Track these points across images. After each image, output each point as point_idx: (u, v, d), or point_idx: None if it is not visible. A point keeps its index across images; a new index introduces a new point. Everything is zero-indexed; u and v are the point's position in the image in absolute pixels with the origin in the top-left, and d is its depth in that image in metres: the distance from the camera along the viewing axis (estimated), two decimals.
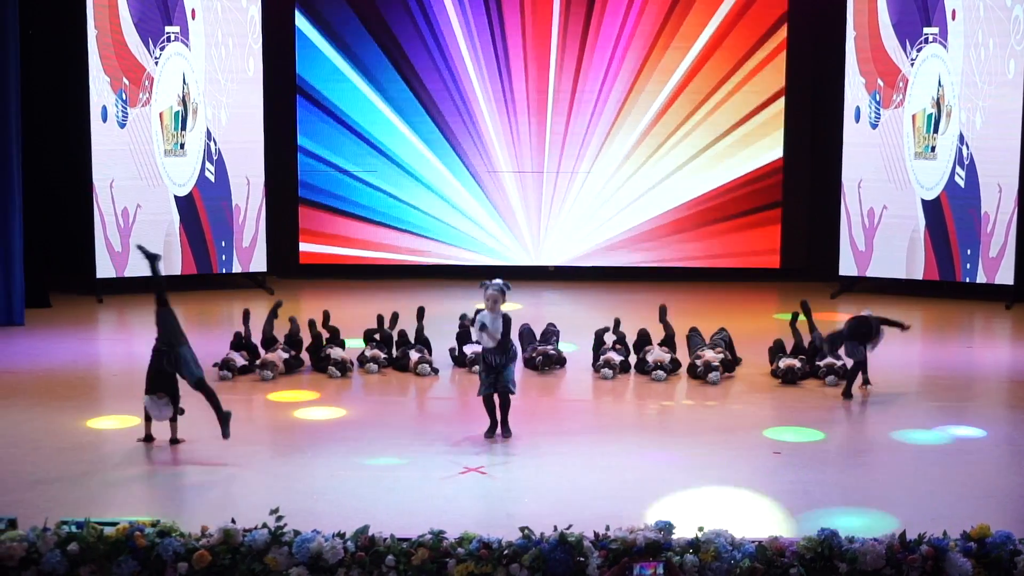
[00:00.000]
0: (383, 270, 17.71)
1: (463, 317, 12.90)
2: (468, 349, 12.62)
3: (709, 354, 12.60)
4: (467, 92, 17.38)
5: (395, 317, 13.38)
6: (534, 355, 12.81)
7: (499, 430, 10.62)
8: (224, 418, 10.29)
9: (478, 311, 10.87)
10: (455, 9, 17.20)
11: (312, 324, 13.07)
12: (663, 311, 13.20)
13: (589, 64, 17.25)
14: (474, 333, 10.75)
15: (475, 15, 17.22)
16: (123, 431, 10.87)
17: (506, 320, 10.59)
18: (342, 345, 12.93)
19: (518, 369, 12.55)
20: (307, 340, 12.99)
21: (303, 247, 17.69)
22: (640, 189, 17.49)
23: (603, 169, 17.47)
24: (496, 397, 10.61)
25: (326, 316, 13.27)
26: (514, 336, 10.96)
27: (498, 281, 10.67)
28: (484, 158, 17.53)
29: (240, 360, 12.62)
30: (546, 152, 17.48)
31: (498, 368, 10.54)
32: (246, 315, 13.18)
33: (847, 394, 11.89)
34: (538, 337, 13.16)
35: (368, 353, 12.85)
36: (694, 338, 12.99)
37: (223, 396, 10.72)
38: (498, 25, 17.25)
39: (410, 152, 17.54)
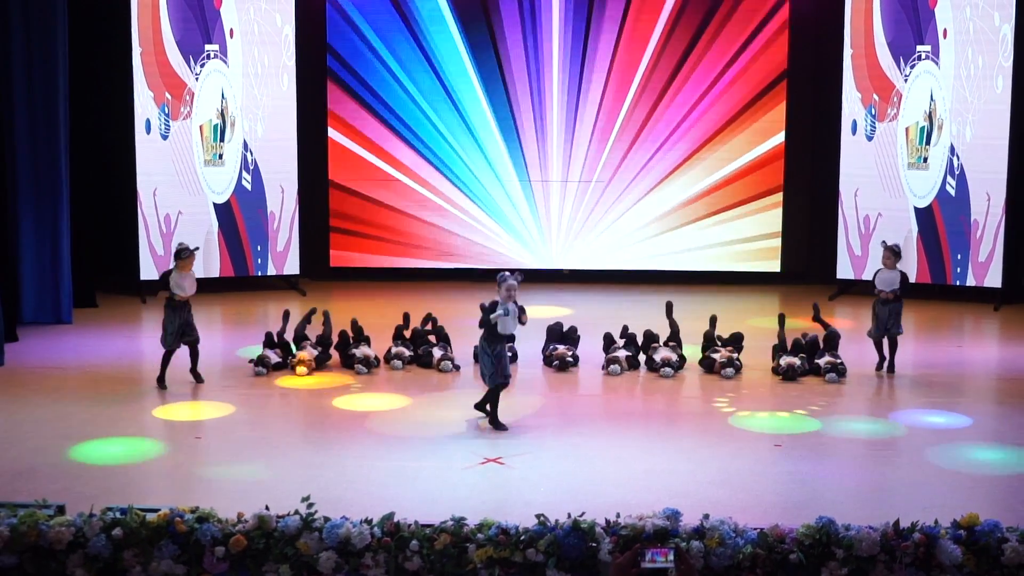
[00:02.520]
0: (409, 273, 17.70)
1: (482, 307, 12.71)
2: None
3: (723, 351, 12.60)
4: (487, 105, 17.39)
5: (427, 318, 13.39)
6: (552, 355, 12.80)
7: (488, 422, 10.67)
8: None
9: (493, 302, 10.72)
10: (478, 20, 17.23)
11: (344, 334, 13.02)
12: (669, 307, 13.19)
13: (602, 82, 17.28)
14: (503, 323, 10.61)
15: (496, 32, 17.25)
16: (165, 423, 10.90)
17: (520, 308, 10.62)
18: (368, 343, 12.94)
19: (537, 364, 12.59)
20: (335, 339, 13.01)
21: (334, 251, 17.70)
22: (650, 196, 17.46)
23: (616, 180, 17.45)
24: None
25: (355, 325, 13.21)
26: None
27: (509, 274, 10.66)
28: (507, 167, 17.52)
29: (274, 357, 12.63)
30: (560, 162, 17.48)
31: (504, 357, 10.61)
32: (286, 315, 13.20)
33: (889, 368, 12.55)
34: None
35: (394, 350, 12.86)
36: (707, 342, 12.96)
37: (257, 390, 10.70)
38: (519, 43, 17.27)
39: (432, 162, 17.54)
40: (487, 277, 16.82)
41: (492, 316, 10.56)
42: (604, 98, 17.29)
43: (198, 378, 12.07)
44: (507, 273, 10.67)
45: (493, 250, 17.66)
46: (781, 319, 13.14)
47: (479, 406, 10.84)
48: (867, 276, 16.33)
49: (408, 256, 17.76)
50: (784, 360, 12.47)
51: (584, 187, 17.51)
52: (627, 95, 17.27)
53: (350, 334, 12.99)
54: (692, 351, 12.83)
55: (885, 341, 12.61)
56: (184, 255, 11.85)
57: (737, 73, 17.15)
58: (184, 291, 11.82)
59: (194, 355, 12.05)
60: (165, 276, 11.95)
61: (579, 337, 13.17)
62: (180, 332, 11.85)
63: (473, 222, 17.65)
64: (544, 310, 14.78)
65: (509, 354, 11.45)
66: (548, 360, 12.84)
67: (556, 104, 17.34)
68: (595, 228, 17.60)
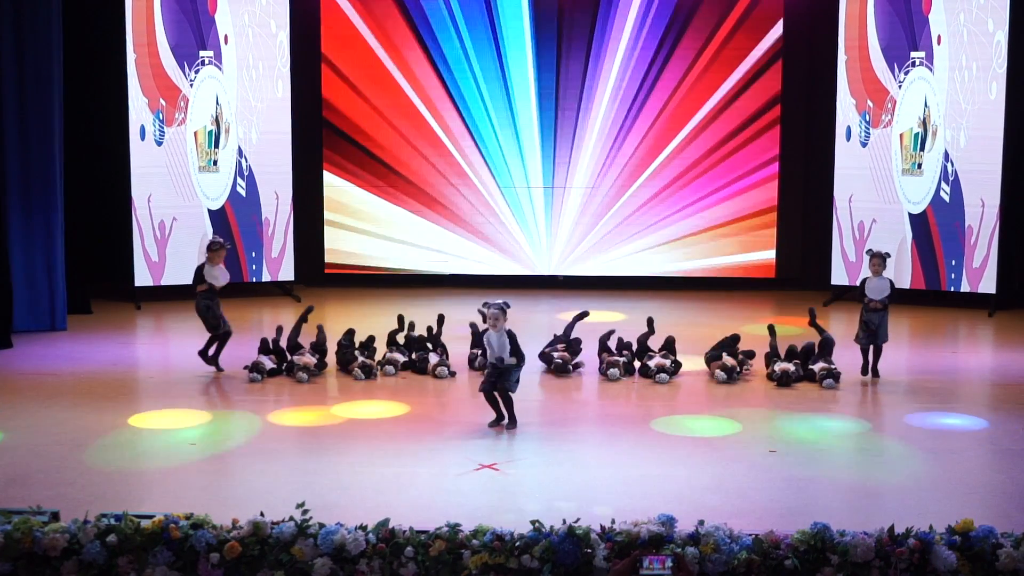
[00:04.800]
0: (404, 279, 17.71)
1: (472, 326, 12.79)
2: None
3: (726, 358, 12.64)
4: (482, 111, 17.40)
5: (441, 319, 13.36)
6: (553, 353, 12.78)
7: (506, 421, 10.74)
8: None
9: (485, 330, 10.94)
10: (464, 25, 17.24)
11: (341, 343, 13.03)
12: (650, 323, 13.27)
13: (604, 87, 17.30)
14: (490, 354, 10.80)
15: (482, 32, 17.25)
16: (160, 429, 10.89)
17: (511, 336, 10.72)
18: (372, 350, 12.92)
19: (529, 370, 12.60)
20: (332, 347, 12.98)
21: (328, 257, 17.70)
22: (645, 202, 17.47)
23: (611, 187, 17.47)
24: (497, 395, 10.77)
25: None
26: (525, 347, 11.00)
27: (498, 301, 10.80)
28: (500, 173, 17.53)
29: (269, 363, 12.62)
30: (556, 169, 17.50)
31: (502, 370, 10.64)
32: (279, 330, 13.14)
33: (873, 372, 12.51)
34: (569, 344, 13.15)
35: (387, 356, 12.85)
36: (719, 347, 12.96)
37: (253, 397, 10.70)
38: (510, 45, 17.29)
39: (428, 167, 17.56)
40: (480, 283, 16.95)
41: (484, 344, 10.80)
42: (599, 105, 17.33)
43: (217, 367, 12.63)
44: (492, 302, 10.83)
45: (489, 256, 17.66)
46: (771, 329, 13.13)
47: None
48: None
49: (403, 262, 17.76)
50: (778, 366, 12.48)
51: (578, 193, 17.51)
52: (627, 108, 17.30)
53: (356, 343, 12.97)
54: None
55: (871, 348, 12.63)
56: (215, 247, 12.65)
57: (733, 80, 17.16)
58: (218, 281, 12.54)
59: (221, 346, 12.67)
60: (199, 270, 12.63)
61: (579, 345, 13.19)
62: (215, 322, 12.58)
63: (468, 228, 17.64)
64: (541, 316, 14.80)
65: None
66: (546, 357, 12.85)
67: (560, 110, 17.40)
68: (589, 235, 17.60)
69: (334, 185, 17.60)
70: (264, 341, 12.92)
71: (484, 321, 11.28)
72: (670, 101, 17.24)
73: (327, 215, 17.62)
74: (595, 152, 17.41)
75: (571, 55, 17.22)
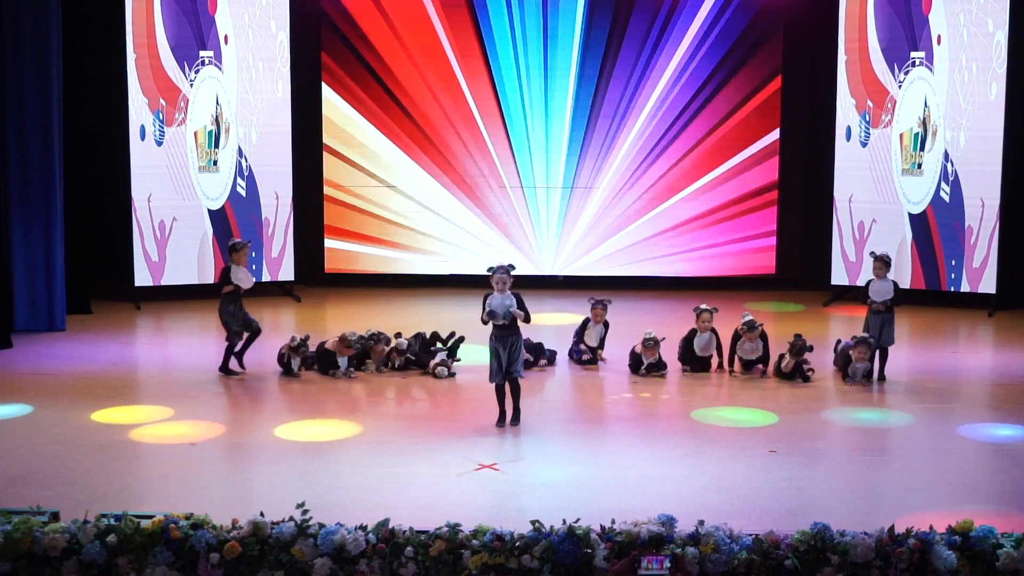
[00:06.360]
0: (403, 279, 17.70)
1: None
2: None
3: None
4: (482, 111, 17.41)
5: (419, 336, 13.33)
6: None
7: (508, 419, 10.70)
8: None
9: (488, 295, 10.78)
10: (470, 28, 17.26)
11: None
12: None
13: (607, 83, 17.31)
14: (491, 312, 10.64)
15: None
16: (159, 429, 10.88)
17: (518, 297, 10.64)
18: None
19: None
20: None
21: (328, 257, 17.69)
22: (645, 203, 17.47)
23: (610, 185, 17.46)
24: (508, 385, 10.71)
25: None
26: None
27: (503, 264, 10.77)
28: (498, 173, 17.52)
29: (296, 363, 12.53)
30: (557, 168, 17.50)
31: (509, 353, 10.58)
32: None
33: (879, 376, 12.42)
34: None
35: (441, 359, 12.70)
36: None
37: (251, 397, 10.69)
38: (521, 47, 17.29)
39: (430, 166, 17.55)
40: (478, 283, 16.92)
41: (486, 306, 10.64)
42: (607, 108, 17.34)
43: (241, 365, 12.55)
44: (494, 266, 10.79)
45: (488, 256, 17.62)
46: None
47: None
48: (862, 282, 16.37)
49: (403, 262, 17.75)
50: (783, 362, 12.54)
51: (578, 193, 17.51)
52: (629, 106, 17.32)
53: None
54: None
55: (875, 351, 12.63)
56: (238, 247, 12.56)
57: (734, 78, 17.16)
58: (244, 283, 12.45)
59: (249, 343, 12.63)
60: (225, 272, 12.55)
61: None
62: (243, 323, 12.49)
63: (468, 228, 17.64)
64: (542, 316, 14.77)
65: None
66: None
67: (567, 112, 17.41)
68: (590, 234, 17.59)
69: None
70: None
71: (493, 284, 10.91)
72: (668, 99, 17.23)
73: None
74: (594, 152, 17.39)
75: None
